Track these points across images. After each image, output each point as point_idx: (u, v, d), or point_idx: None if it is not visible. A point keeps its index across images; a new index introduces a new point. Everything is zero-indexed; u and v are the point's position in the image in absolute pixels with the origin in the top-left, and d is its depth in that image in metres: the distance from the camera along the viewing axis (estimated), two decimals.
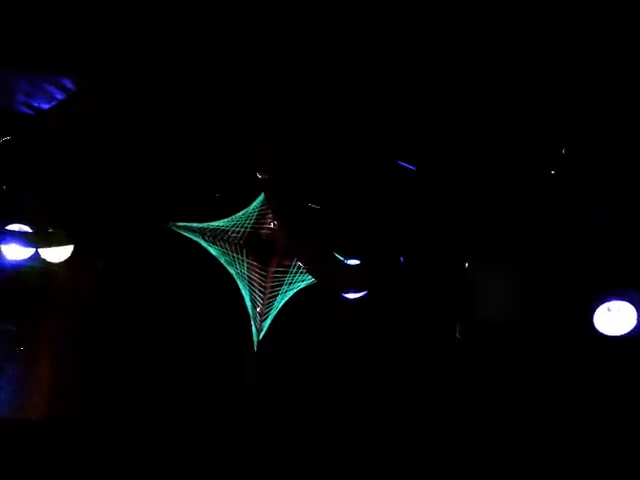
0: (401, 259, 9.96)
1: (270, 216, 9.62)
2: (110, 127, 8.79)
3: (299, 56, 7.63)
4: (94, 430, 8.75)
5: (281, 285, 9.79)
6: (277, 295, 9.86)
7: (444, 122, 8.24)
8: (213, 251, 9.68)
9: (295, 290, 9.83)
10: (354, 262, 9.69)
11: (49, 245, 9.08)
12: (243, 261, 10.45)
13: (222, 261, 10.38)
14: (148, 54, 7.78)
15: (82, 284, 9.68)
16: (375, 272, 9.79)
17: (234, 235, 9.65)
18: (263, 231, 9.78)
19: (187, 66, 7.84)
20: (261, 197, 9.52)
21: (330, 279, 10.20)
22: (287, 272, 9.68)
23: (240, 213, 9.67)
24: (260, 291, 10.34)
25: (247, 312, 9.82)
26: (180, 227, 9.39)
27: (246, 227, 9.71)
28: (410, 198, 9.34)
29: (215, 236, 10.06)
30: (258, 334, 9.77)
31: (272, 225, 9.68)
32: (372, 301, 9.91)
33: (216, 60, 7.77)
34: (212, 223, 9.53)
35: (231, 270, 10.50)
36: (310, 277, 9.72)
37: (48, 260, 9.16)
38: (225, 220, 9.64)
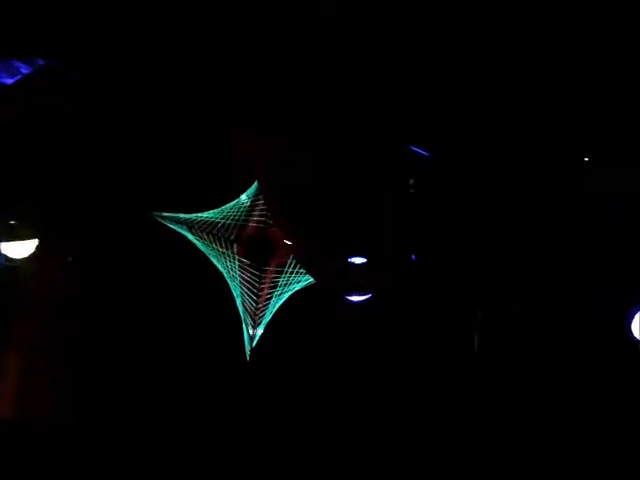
0: (412, 257, 9.30)
1: (264, 207, 9.07)
2: (87, 111, 8.49)
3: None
4: (63, 428, 8.52)
5: (275, 286, 9.17)
6: (271, 298, 9.27)
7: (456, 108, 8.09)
8: (201, 246, 9.19)
9: (291, 292, 9.24)
10: (359, 260, 9.10)
11: (10, 239, 8.44)
12: (234, 259, 9.54)
13: (211, 258, 9.66)
14: (134, 40, 7.81)
15: (48, 282, 8.97)
16: (382, 271, 9.13)
17: (224, 229, 9.07)
18: (256, 225, 9.20)
19: (176, 54, 7.84)
20: (254, 186, 9.01)
21: (332, 280, 9.46)
22: (282, 272, 9.13)
23: (231, 204, 9.11)
24: (253, 293, 9.53)
25: (238, 316, 9.36)
26: (165, 218, 8.84)
27: (237, 220, 9.11)
28: (422, 187, 8.98)
29: (203, 229, 9.29)
30: (251, 342, 9.25)
31: (267, 219, 9.14)
32: (378, 304, 9.36)
33: (205, 47, 7.78)
34: (200, 214, 8.95)
35: (221, 268, 9.66)
36: (309, 278, 9.20)
37: (10, 256, 8.51)
38: (214, 211, 9.04)
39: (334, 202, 8.71)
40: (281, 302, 9.19)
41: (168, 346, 9.28)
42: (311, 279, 9.21)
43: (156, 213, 8.79)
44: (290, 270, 9.15)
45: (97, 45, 7.82)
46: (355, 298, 9.34)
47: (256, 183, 9.01)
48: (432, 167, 8.55)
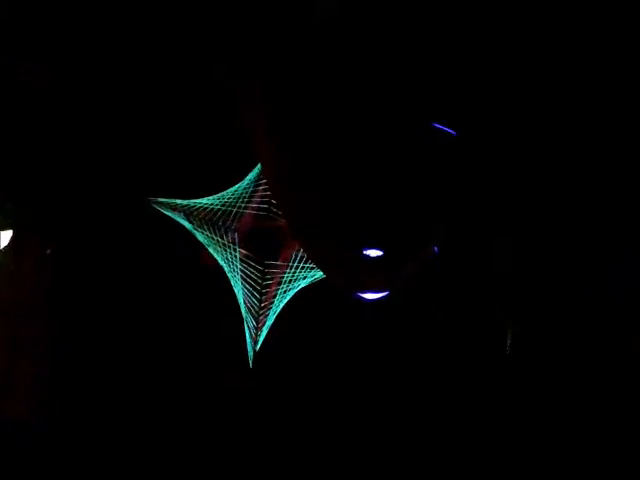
0: (435, 249, 8.43)
1: (268, 194, 8.32)
2: (66, 88, 8.19)
3: None
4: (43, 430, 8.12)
5: (280, 283, 8.47)
6: (275, 295, 8.68)
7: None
8: (200, 237, 8.49)
9: (296, 289, 8.52)
10: (374, 253, 8.25)
11: None
12: (236, 251, 8.73)
13: (211, 250, 8.85)
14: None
15: (24, 275, 8.44)
16: (401, 266, 8.32)
17: (224, 217, 8.38)
18: (259, 214, 8.50)
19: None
20: (257, 169, 8.28)
21: (344, 275, 8.46)
22: (286, 266, 8.43)
23: (232, 189, 8.44)
24: (256, 290, 8.69)
25: (239, 316, 8.56)
26: (161, 204, 8.26)
27: (239, 207, 8.41)
28: (447, 170, 8.04)
29: (202, 218, 8.54)
30: (254, 347, 8.50)
31: (271, 206, 8.42)
32: (396, 302, 8.65)
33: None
34: (199, 201, 8.31)
35: (221, 262, 8.85)
36: (316, 273, 8.48)
37: None
38: (213, 197, 8.38)
39: (346, 186, 7.97)
40: (286, 300, 8.46)
41: (157, 347, 8.70)
42: (318, 274, 8.43)
43: (151, 199, 8.19)
44: (295, 264, 8.41)
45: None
46: (369, 296, 8.42)
47: (259, 166, 8.23)
48: (457, 148, 7.87)
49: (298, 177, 7.91)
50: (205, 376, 8.59)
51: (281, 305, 8.60)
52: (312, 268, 8.60)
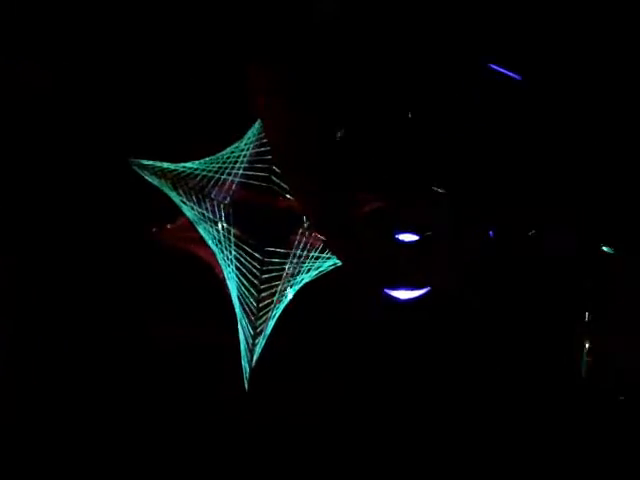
0: (490, 233, 7.37)
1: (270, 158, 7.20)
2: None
3: None
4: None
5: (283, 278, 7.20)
6: (279, 294, 7.20)
7: None
8: (189, 213, 7.32)
9: (299, 286, 7.31)
10: (409, 237, 7.28)
11: None
12: (230, 234, 7.26)
13: (200, 231, 7.37)
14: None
15: None
16: (445, 255, 7.28)
17: (219, 188, 7.24)
18: (259, 183, 7.28)
19: None
20: (257, 125, 7.28)
21: (367, 266, 7.26)
22: (286, 256, 7.20)
23: (226, 151, 7.31)
24: (253, 286, 7.19)
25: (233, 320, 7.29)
26: (144, 167, 7.30)
27: (235, 174, 7.24)
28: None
29: (191, 187, 7.20)
30: (251, 358, 7.24)
31: (274, 175, 7.25)
32: (436, 303, 7.50)
33: None
34: (188, 164, 7.27)
35: (213, 246, 7.35)
36: (323, 264, 7.29)
37: None
38: (205, 161, 7.30)
39: (370, 144, 7.29)
40: (287, 301, 7.26)
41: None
42: (326, 266, 7.30)
43: (133, 160, 7.29)
44: (300, 253, 7.23)
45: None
46: (401, 294, 7.31)
47: (258, 123, 7.22)
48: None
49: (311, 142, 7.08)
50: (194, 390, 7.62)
51: (284, 303, 7.26)
52: (322, 258, 7.33)
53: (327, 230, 7.18)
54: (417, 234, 7.29)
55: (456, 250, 7.34)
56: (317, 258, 7.27)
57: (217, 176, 7.23)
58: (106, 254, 7.72)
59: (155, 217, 7.63)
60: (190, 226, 7.30)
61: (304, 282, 7.28)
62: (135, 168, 7.31)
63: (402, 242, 7.24)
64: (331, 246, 7.16)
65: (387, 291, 7.30)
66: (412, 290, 7.31)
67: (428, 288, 7.31)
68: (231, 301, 7.26)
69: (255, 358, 7.29)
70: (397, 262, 7.21)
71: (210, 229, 7.25)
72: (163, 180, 7.21)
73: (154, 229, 7.52)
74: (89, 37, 7.75)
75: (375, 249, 7.19)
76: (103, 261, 7.73)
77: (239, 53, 7.53)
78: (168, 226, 7.53)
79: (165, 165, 7.26)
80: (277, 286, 7.17)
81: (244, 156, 7.21)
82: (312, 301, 7.44)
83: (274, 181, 7.18)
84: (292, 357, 7.61)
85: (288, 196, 7.23)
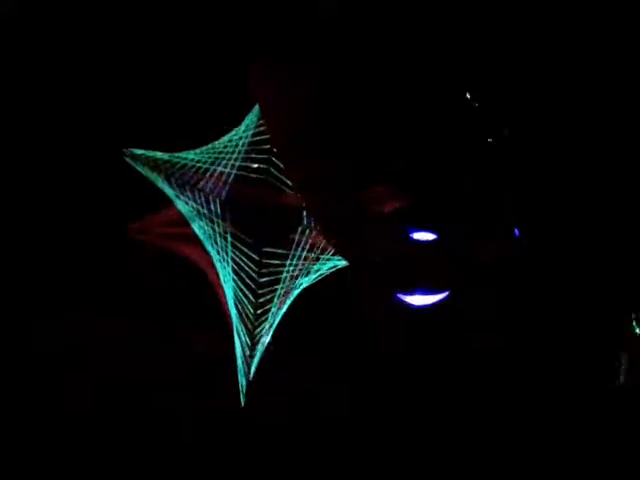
0: (515, 231, 6.92)
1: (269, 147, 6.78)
2: None
3: None
4: None
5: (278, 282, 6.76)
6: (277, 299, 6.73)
7: None
8: (184, 210, 6.90)
9: (299, 290, 6.92)
10: (427, 236, 6.77)
11: None
12: (225, 233, 6.80)
13: (195, 229, 6.92)
14: None
15: None
16: (467, 254, 6.74)
17: (213, 181, 6.80)
18: (257, 176, 6.80)
19: None
20: (255, 111, 6.85)
21: (379, 268, 6.64)
22: (286, 257, 6.78)
23: (224, 138, 6.92)
24: (251, 291, 6.72)
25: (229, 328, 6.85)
26: (138, 157, 6.92)
27: (232, 166, 6.82)
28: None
29: (186, 181, 6.78)
30: (248, 370, 6.78)
31: (272, 166, 6.82)
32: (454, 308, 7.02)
33: None
34: (184, 154, 6.87)
35: (209, 246, 6.89)
36: (328, 265, 6.89)
37: None
38: (200, 150, 6.91)
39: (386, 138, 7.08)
40: (286, 307, 6.82)
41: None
42: (326, 268, 6.90)
43: (126, 150, 6.91)
44: (300, 254, 6.78)
45: None
46: (417, 300, 6.74)
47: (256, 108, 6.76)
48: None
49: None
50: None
51: (281, 313, 6.77)
52: (318, 259, 6.86)
53: (333, 228, 6.62)
54: (435, 232, 6.74)
55: (479, 250, 6.78)
56: (317, 259, 6.86)
57: (213, 168, 6.81)
58: (78, 252, 7.47)
59: (134, 212, 7.27)
60: (176, 221, 6.86)
61: (303, 287, 6.85)
62: (127, 159, 6.92)
63: (418, 241, 6.75)
64: (337, 245, 6.61)
65: (400, 297, 6.72)
66: (429, 295, 6.71)
67: (447, 292, 6.71)
68: (224, 307, 6.84)
69: (253, 370, 6.70)
70: (412, 263, 6.66)
71: (205, 227, 6.74)
72: (156, 172, 6.81)
73: (132, 225, 6.99)
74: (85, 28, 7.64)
75: (387, 249, 6.63)
76: (73, 260, 7.49)
77: (231, 39, 7.45)
78: (148, 221, 7.02)
79: (159, 155, 6.85)
80: (276, 290, 6.63)
81: (242, 145, 6.79)
82: (315, 307, 7.06)
83: (273, 173, 6.64)
84: (292, 366, 7.22)
85: (288, 190, 6.73)
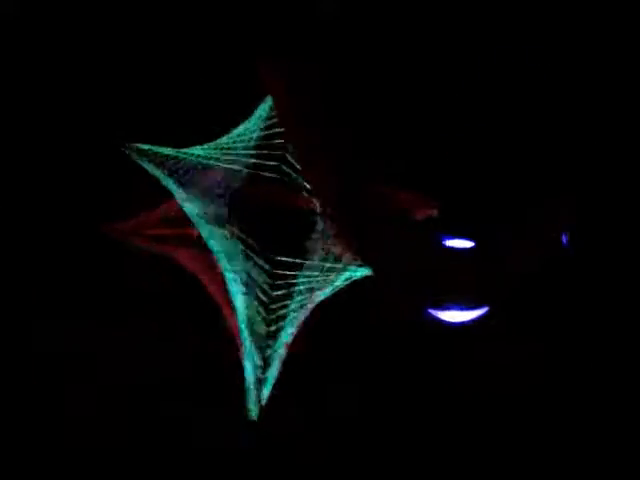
0: (563, 238, 6.40)
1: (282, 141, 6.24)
2: None
3: None
4: None
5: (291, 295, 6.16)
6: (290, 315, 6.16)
7: None
8: (191, 213, 6.38)
9: (314, 304, 6.36)
10: (463, 244, 6.21)
11: None
12: (236, 240, 6.32)
13: (201, 232, 6.43)
14: None
15: None
16: (508, 264, 6.12)
17: (227, 180, 6.33)
18: (269, 175, 6.29)
19: None
20: (267, 103, 6.38)
21: (408, 280, 6.07)
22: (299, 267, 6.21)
23: (234, 133, 6.40)
24: (263, 304, 6.16)
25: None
26: (142, 153, 6.48)
27: (242, 163, 6.35)
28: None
29: (193, 182, 6.38)
30: (258, 395, 6.28)
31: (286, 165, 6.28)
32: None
33: None
34: (192, 150, 6.40)
35: (219, 257, 6.39)
36: (343, 276, 6.36)
37: None
38: (209, 146, 6.40)
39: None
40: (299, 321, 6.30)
41: None
42: (342, 279, 6.41)
43: (130, 145, 6.55)
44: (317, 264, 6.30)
45: None
46: (452, 316, 6.15)
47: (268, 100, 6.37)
48: None
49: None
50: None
51: (294, 328, 6.23)
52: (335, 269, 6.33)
53: (354, 232, 6.08)
54: (471, 239, 6.16)
55: (521, 259, 6.15)
56: (334, 270, 6.38)
57: (221, 165, 6.40)
58: (77, 256, 7.22)
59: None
60: (171, 220, 6.58)
61: (318, 301, 6.39)
62: (132, 155, 6.54)
63: (452, 249, 6.15)
64: (359, 252, 6.02)
65: (432, 312, 6.09)
66: (465, 311, 6.08)
67: (486, 308, 6.08)
68: (230, 320, 6.43)
69: (266, 394, 6.24)
70: (446, 274, 6.03)
71: (217, 232, 6.28)
72: (161, 169, 6.43)
73: (119, 225, 6.65)
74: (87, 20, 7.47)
75: (417, 257, 6.05)
76: (73, 263, 7.23)
77: (235, 34, 7.25)
78: (137, 221, 6.63)
79: (167, 151, 6.47)
80: (288, 305, 6.13)
81: (253, 140, 6.39)
82: (333, 322, 6.61)
83: (286, 171, 6.27)
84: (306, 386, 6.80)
85: (305, 192, 6.27)
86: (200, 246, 6.61)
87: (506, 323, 6.64)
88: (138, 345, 7.06)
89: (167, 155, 6.52)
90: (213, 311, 6.62)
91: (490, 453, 6.83)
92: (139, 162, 6.58)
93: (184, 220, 6.51)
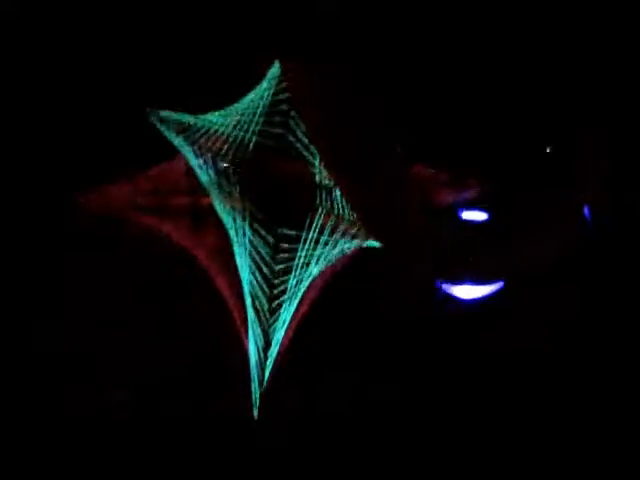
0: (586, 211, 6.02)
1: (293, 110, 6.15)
2: None
3: None
4: None
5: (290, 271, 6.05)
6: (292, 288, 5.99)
7: None
8: (205, 179, 6.29)
9: (310, 280, 6.13)
10: (478, 216, 5.92)
11: None
12: (244, 210, 6.21)
13: (215, 204, 6.35)
14: None
15: None
16: (529, 236, 5.87)
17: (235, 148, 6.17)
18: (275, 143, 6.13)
19: None
20: (275, 69, 6.23)
21: (419, 252, 5.89)
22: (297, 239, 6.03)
23: (247, 98, 6.26)
24: (265, 278, 6.07)
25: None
26: (163, 120, 6.43)
27: (253, 131, 6.18)
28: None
29: (210, 148, 6.41)
30: (262, 375, 6.10)
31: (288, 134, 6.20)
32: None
33: None
34: (207, 116, 6.34)
35: (227, 228, 6.29)
36: (336, 250, 6.11)
37: None
38: (222, 112, 6.30)
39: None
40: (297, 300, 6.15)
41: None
42: (335, 252, 6.19)
43: (152, 111, 6.57)
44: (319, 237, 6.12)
45: None
46: (466, 291, 5.92)
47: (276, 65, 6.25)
48: None
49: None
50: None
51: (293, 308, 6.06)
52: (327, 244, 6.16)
53: (366, 205, 5.87)
54: (487, 211, 5.96)
55: (542, 232, 5.92)
56: (326, 244, 6.18)
57: (235, 132, 6.33)
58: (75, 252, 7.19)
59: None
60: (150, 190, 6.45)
61: (313, 276, 6.21)
62: (153, 121, 6.51)
63: (468, 221, 5.92)
64: (370, 226, 5.83)
65: (445, 287, 5.87)
66: (480, 285, 5.86)
67: (501, 283, 5.85)
68: (230, 301, 6.27)
69: (267, 375, 6.14)
70: (460, 248, 5.83)
71: (225, 200, 6.21)
72: (182, 137, 6.37)
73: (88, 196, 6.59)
74: None
75: (430, 231, 5.87)
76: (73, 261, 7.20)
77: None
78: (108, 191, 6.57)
79: (186, 118, 6.46)
80: (288, 280, 5.98)
81: (263, 106, 6.29)
82: (337, 301, 6.40)
83: (289, 140, 6.27)
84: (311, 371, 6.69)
85: (314, 163, 6.14)
86: (195, 219, 6.37)
87: (514, 308, 6.33)
88: (138, 345, 6.98)
89: (188, 122, 6.51)
90: (213, 310, 6.56)
91: (494, 442, 6.66)
92: (160, 129, 6.54)
93: (177, 191, 6.36)
